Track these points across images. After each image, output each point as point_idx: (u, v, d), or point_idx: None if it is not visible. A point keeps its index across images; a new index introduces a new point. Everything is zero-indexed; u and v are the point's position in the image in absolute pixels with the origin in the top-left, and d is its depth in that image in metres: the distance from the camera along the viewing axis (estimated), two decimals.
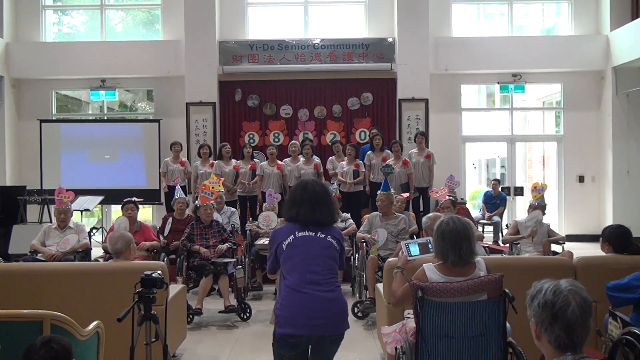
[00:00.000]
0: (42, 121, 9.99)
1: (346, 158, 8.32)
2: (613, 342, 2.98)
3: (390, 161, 8.07)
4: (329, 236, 2.79)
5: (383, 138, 8.73)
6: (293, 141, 8.97)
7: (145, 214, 10.56)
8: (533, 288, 1.79)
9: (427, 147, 8.90)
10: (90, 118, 11.22)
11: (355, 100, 10.05)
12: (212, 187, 6.18)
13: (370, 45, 10.00)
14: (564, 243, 6.12)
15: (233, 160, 8.47)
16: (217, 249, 5.65)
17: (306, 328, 2.62)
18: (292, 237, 2.76)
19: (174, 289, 4.36)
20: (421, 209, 8.55)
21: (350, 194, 8.02)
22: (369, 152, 8.58)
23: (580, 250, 6.17)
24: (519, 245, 5.99)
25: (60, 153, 10.01)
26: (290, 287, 2.67)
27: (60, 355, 2.16)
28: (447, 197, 6.11)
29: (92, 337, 2.81)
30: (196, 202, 6.03)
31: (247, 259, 6.36)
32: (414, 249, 3.32)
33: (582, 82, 10.43)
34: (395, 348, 3.07)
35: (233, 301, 5.54)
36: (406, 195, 6.86)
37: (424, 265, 2.90)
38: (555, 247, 6.03)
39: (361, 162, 8.31)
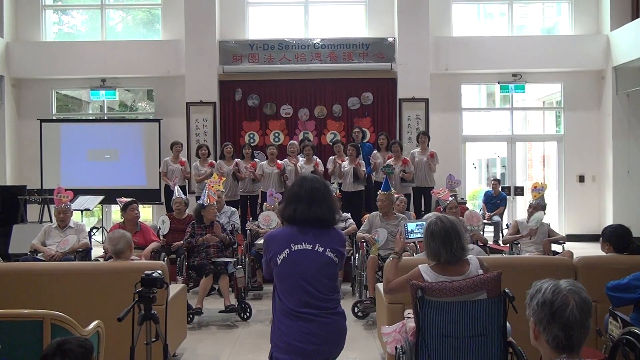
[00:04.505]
0: (42, 121, 9.99)
1: (347, 158, 8.31)
2: (613, 342, 2.98)
3: (390, 161, 8.07)
4: (327, 249, 2.55)
5: (388, 137, 8.73)
6: (292, 141, 8.95)
7: (146, 214, 10.56)
8: (533, 287, 1.79)
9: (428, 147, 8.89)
10: (91, 118, 11.22)
11: (355, 100, 10.06)
12: (212, 186, 6.18)
13: (371, 45, 10.00)
14: (564, 243, 6.13)
15: (237, 160, 8.45)
16: (214, 236, 5.67)
17: (306, 355, 2.49)
18: (287, 250, 2.53)
19: (174, 288, 4.36)
20: (422, 209, 8.54)
21: (350, 194, 8.02)
22: (375, 152, 8.58)
23: (581, 250, 6.17)
24: (519, 245, 5.99)
25: (60, 153, 10.01)
26: (287, 311, 2.50)
27: None
28: (451, 198, 6.12)
29: (92, 336, 2.81)
30: (200, 200, 6.01)
31: (247, 259, 6.36)
32: (413, 232, 3.44)
33: (583, 82, 10.43)
34: (395, 348, 3.07)
35: (233, 301, 5.55)
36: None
37: (419, 265, 2.92)
38: (555, 247, 6.04)
39: (362, 161, 8.30)
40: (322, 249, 2.55)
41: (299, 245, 2.54)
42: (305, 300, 2.49)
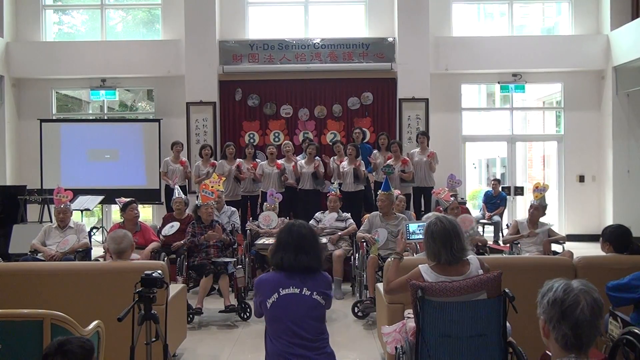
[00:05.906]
0: (42, 121, 10.00)
1: (347, 158, 8.30)
2: (613, 342, 2.98)
3: (390, 161, 8.07)
4: (314, 293, 2.69)
5: (388, 137, 8.73)
6: (286, 141, 8.93)
7: (146, 214, 10.56)
8: (545, 286, 1.79)
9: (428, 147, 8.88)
10: (91, 118, 11.23)
11: (355, 99, 10.05)
12: (212, 187, 6.18)
13: (371, 44, 10.00)
14: (564, 243, 6.12)
15: (237, 160, 8.45)
16: (212, 235, 5.69)
17: None
18: (276, 295, 2.66)
19: (174, 288, 4.36)
20: (422, 208, 8.54)
21: (350, 194, 8.01)
22: (375, 151, 8.59)
23: (581, 250, 6.18)
24: (519, 245, 5.99)
25: (60, 153, 10.01)
26: (279, 353, 2.63)
27: None
28: (452, 198, 6.11)
29: (92, 336, 2.81)
30: (197, 201, 6.03)
31: (247, 259, 6.36)
32: (415, 233, 3.46)
33: (583, 81, 10.43)
34: (395, 348, 3.07)
35: (233, 301, 5.55)
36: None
37: (419, 266, 2.93)
38: (555, 247, 6.03)
39: (362, 161, 8.29)
40: (309, 292, 2.68)
41: (287, 290, 2.68)
42: (295, 343, 2.61)
